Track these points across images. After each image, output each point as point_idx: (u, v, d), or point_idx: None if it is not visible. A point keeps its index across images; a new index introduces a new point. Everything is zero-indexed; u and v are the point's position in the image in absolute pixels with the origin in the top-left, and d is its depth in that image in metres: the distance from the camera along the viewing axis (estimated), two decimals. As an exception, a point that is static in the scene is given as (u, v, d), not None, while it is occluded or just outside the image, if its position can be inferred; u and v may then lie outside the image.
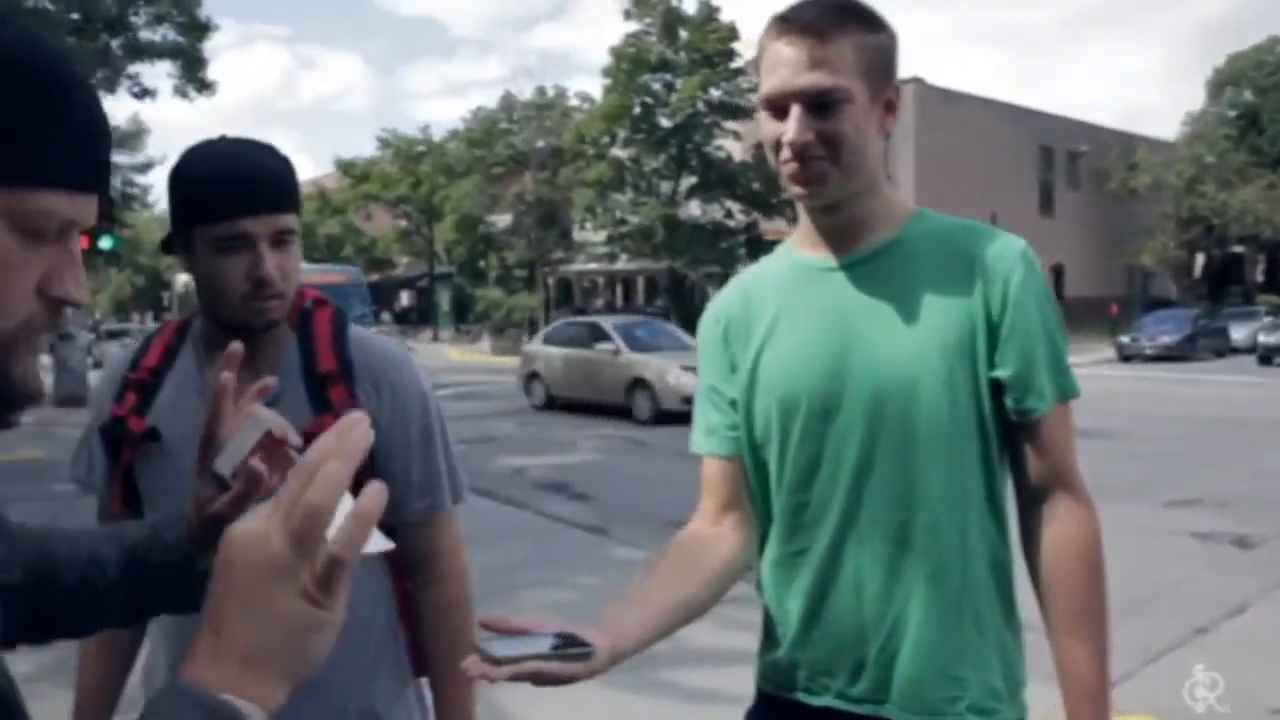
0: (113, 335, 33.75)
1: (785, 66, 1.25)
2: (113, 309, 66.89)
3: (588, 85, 66.71)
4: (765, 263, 1.48)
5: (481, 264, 39.39)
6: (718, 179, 30.70)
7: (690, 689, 4.00)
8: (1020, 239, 1.33)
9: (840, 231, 1.35)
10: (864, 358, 1.30)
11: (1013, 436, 1.32)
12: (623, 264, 35.17)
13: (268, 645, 0.61)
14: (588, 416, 14.37)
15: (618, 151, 31.89)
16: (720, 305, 1.47)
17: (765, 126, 1.30)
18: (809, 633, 1.35)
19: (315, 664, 0.65)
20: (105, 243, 15.74)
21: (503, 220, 35.80)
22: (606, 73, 30.99)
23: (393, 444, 1.51)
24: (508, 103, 36.23)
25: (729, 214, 31.41)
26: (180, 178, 1.41)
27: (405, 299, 51.57)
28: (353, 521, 0.62)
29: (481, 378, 22.69)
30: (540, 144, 32.96)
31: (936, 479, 1.28)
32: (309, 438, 1.43)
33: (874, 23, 1.28)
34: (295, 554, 0.60)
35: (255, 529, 0.61)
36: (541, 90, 34.64)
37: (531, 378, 16.37)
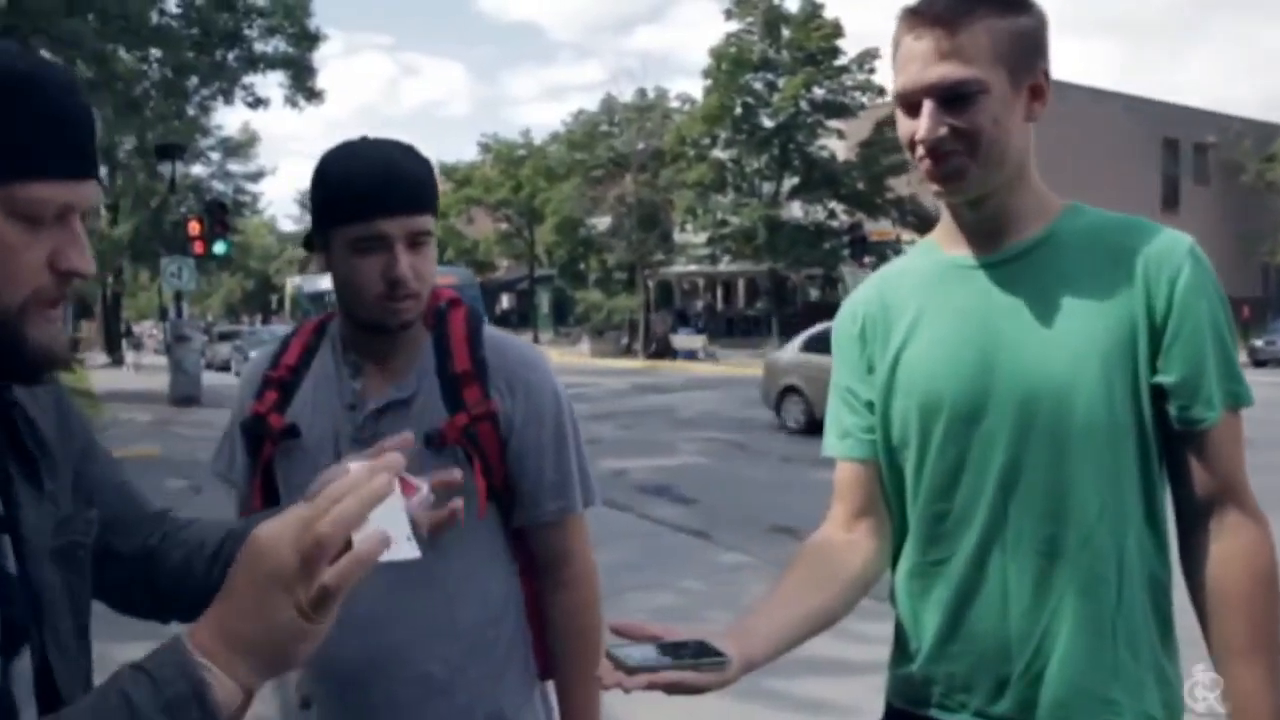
0: (224, 337, 34.63)
1: (914, 61, 1.21)
2: (224, 312, 69.76)
3: (688, 86, 66.41)
4: (904, 260, 1.43)
5: (582, 266, 39.71)
6: (821, 179, 30.30)
7: (804, 699, 3.91)
8: (1187, 235, 1.25)
9: (985, 228, 1.29)
10: (1012, 360, 1.24)
11: (1176, 446, 1.23)
12: (724, 266, 35.05)
13: (258, 641, 0.69)
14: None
15: (719, 152, 31.77)
16: (857, 302, 1.42)
17: (901, 125, 1.26)
18: (946, 646, 1.29)
19: (297, 665, 0.72)
20: (219, 248, 16.59)
21: (603, 223, 36.02)
22: (707, 73, 30.90)
23: (526, 444, 1.51)
24: (608, 105, 36.42)
25: (832, 214, 30.96)
26: (320, 178, 1.43)
27: (506, 301, 52.46)
28: (350, 562, 0.69)
29: (581, 379, 22.87)
30: (641, 146, 33.04)
31: (1091, 490, 1.21)
32: (442, 437, 1.46)
33: (1012, 5, 1.21)
34: (299, 572, 0.69)
35: (275, 538, 0.69)
36: (642, 92, 34.72)
37: (786, 394, 12.70)
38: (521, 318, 48.25)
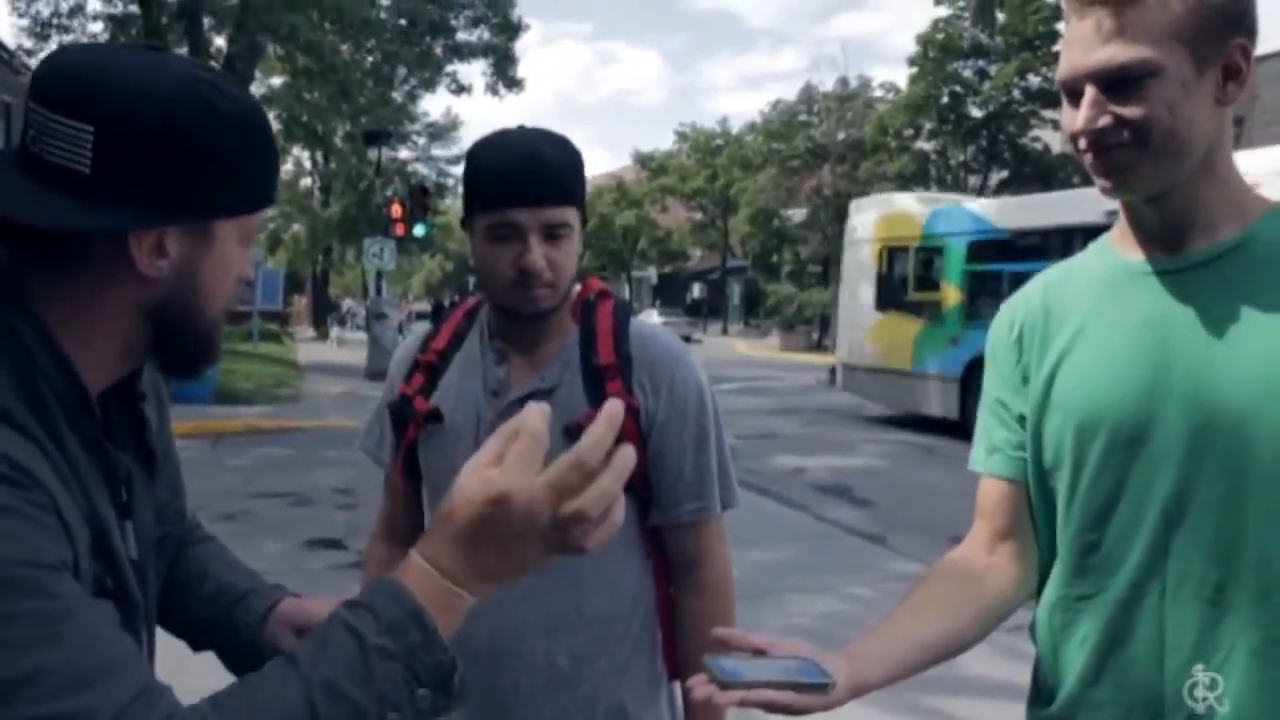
0: (421, 316, 36.66)
1: (1077, 44, 1.08)
2: (424, 291, 73.19)
3: (891, 75, 64.53)
4: (1075, 261, 1.28)
5: (775, 258, 39.37)
6: (1032, 173, 28.62)
7: (962, 720, 3.71)
8: None
9: (1166, 229, 1.13)
10: (1187, 381, 1.09)
11: None
12: (922, 262, 33.79)
13: (506, 571, 0.77)
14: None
15: (922, 144, 30.63)
16: (1015, 306, 1.30)
17: (1064, 117, 1.13)
18: (1089, 692, 1.16)
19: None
20: (419, 230, 17.36)
21: (798, 214, 35.53)
22: (912, 61, 29.83)
23: (666, 442, 1.49)
24: (808, 94, 35.80)
25: (1043, 210, 29.21)
26: (468, 163, 1.47)
27: (697, 291, 52.75)
28: (600, 495, 0.75)
29: (768, 373, 22.70)
30: (840, 136, 32.30)
31: (1274, 538, 1.05)
32: (580, 430, 1.45)
33: None
34: (554, 530, 0.74)
35: (532, 500, 0.73)
36: (843, 81, 33.87)
37: None
38: (712, 308, 48.38)
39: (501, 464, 0.74)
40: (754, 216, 37.19)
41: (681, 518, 1.51)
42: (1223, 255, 1.10)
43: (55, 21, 18.28)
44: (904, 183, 29.70)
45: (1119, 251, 1.20)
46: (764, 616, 4.86)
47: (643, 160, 46.71)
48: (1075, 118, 1.10)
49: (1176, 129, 1.05)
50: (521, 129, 1.47)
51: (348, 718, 0.70)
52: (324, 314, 41.82)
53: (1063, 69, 1.11)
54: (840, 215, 31.54)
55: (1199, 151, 1.08)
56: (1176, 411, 1.09)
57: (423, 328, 1.71)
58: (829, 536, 7.07)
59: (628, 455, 0.77)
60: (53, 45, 18.25)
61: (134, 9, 17.65)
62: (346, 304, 48.33)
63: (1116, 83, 1.05)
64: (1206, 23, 1.04)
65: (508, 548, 0.75)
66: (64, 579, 0.72)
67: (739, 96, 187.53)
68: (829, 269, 32.47)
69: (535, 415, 0.77)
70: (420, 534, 1.68)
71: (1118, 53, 1.04)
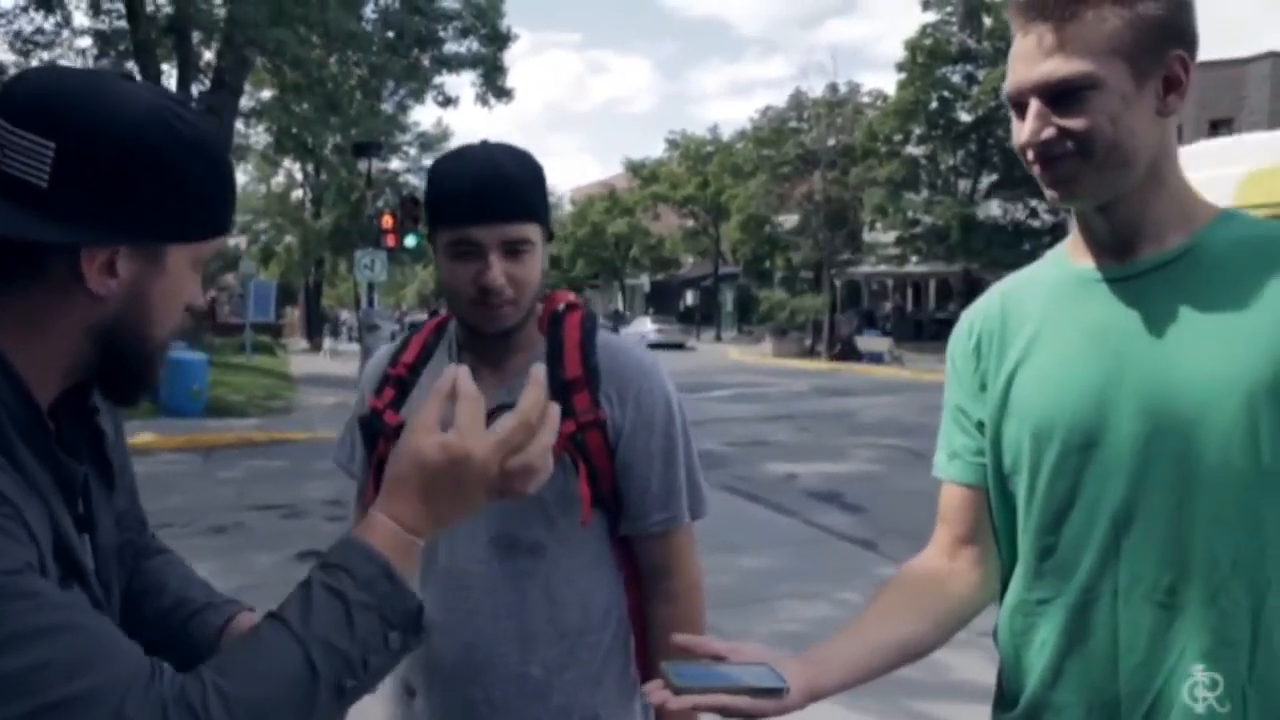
0: (414, 327, 36.61)
1: (1021, 60, 1.11)
2: (417, 301, 72.92)
3: (879, 81, 64.90)
4: (1032, 269, 1.31)
5: (767, 264, 39.46)
6: (1022, 175, 28.64)
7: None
8: None
9: (1116, 237, 1.16)
10: (1137, 387, 1.10)
11: None
12: (912, 266, 33.93)
13: (458, 517, 0.89)
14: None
15: (912, 149, 30.76)
16: (974, 315, 1.32)
17: (1014, 129, 1.16)
18: (1049, 694, 1.17)
19: None
20: (410, 240, 17.25)
21: (789, 220, 35.63)
22: (901, 66, 29.96)
23: (634, 453, 1.50)
24: (797, 101, 35.88)
25: (1033, 213, 29.33)
26: (430, 180, 1.47)
27: (690, 298, 52.82)
28: (534, 457, 0.89)
29: (761, 379, 22.73)
30: (830, 142, 32.40)
31: (1221, 541, 1.06)
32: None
33: None
34: (500, 479, 0.88)
35: (488, 458, 0.86)
36: (833, 87, 33.97)
37: None
38: (705, 315, 48.47)
39: (453, 427, 0.86)
40: (745, 223, 37.26)
41: (651, 528, 1.53)
42: (1171, 262, 1.13)
43: (40, 39, 18.23)
44: (894, 187, 29.85)
45: (1072, 260, 1.22)
46: (755, 622, 4.86)
47: (634, 168, 46.83)
48: (1022, 130, 1.12)
49: (1119, 140, 1.08)
50: (484, 145, 1.48)
51: (340, 667, 0.81)
52: (317, 326, 41.72)
53: (1008, 83, 1.14)
54: (831, 221, 31.81)
55: (1143, 162, 1.10)
56: (1128, 417, 1.11)
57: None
58: (820, 542, 7.08)
59: (556, 411, 0.90)
60: (35, 62, 18.22)
61: (122, 24, 17.64)
62: (344, 315, 48.16)
63: (1059, 96, 1.08)
64: (1145, 36, 1.07)
65: (463, 499, 0.87)
66: (40, 580, 0.76)
67: (729, 103, 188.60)
68: (821, 275, 32.56)
69: (464, 378, 0.88)
70: None
71: (1059, 66, 1.07)
